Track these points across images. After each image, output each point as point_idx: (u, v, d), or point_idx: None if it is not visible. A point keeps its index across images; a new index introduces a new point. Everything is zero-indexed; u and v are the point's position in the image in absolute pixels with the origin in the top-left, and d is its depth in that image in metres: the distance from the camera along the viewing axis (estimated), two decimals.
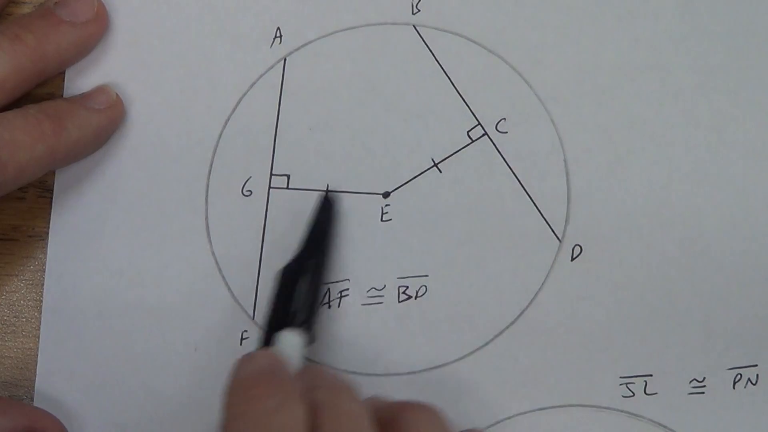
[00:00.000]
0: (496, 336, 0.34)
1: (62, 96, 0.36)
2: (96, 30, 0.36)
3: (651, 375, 0.34)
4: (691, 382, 0.34)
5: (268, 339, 0.32)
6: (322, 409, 0.29)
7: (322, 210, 0.35)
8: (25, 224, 0.36)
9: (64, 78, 0.36)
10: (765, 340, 0.34)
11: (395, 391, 0.34)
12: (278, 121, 0.36)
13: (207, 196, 0.36)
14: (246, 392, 0.28)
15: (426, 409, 0.30)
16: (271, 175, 0.36)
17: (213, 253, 0.35)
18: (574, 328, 0.34)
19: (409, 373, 0.35)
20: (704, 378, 0.34)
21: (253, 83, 0.36)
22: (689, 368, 0.34)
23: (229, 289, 0.35)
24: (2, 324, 0.36)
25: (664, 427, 0.34)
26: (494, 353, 0.34)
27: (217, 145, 0.36)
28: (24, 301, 0.36)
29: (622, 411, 0.34)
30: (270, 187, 0.36)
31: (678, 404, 0.34)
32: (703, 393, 0.34)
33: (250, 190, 0.36)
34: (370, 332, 0.35)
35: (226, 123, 0.36)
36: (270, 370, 0.29)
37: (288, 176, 0.36)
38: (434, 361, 0.35)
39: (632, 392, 0.34)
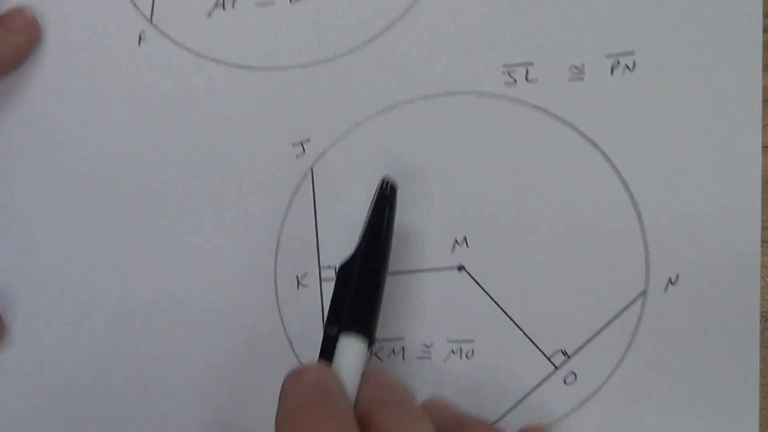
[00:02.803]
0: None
1: None
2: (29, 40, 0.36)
3: (532, 63, 0.35)
4: (570, 68, 0.35)
5: (327, 343, 0.31)
6: None
7: (382, 199, 0.33)
8: None
9: None
10: (642, 27, 0.35)
11: None
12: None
13: None
14: (297, 426, 0.27)
15: (489, 429, 0.30)
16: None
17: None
18: (459, 20, 0.36)
19: None
20: (583, 65, 0.35)
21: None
22: (568, 55, 0.35)
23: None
24: None
25: (545, 110, 0.36)
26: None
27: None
28: None
29: (504, 97, 0.36)
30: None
31: (558, 90, 0.35)
32: (582, 79, 0.35)
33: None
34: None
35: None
36: (321, 397, 0.28)
37: None
38: None
39: (514, 79, 0.35)
